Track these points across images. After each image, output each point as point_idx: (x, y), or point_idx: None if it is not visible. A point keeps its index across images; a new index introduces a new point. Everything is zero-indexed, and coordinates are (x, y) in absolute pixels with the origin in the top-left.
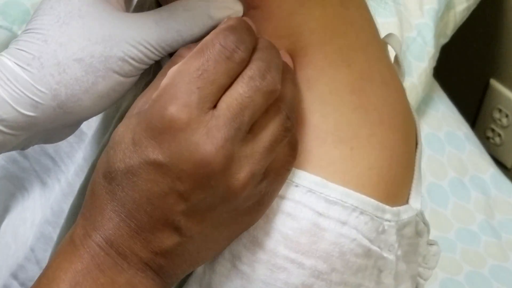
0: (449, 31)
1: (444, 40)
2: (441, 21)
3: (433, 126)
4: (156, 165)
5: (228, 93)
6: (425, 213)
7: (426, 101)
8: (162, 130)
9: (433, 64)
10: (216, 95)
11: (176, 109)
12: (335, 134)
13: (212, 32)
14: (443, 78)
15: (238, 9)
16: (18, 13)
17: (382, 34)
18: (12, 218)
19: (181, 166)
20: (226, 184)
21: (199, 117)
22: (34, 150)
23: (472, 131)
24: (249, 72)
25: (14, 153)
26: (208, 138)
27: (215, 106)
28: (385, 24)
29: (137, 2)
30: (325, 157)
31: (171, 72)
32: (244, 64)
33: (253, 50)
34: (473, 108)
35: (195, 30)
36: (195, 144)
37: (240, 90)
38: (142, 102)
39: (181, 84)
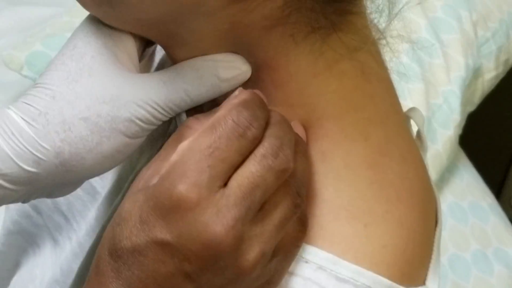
0: (476, 99)
1: (471, 108)
2: (469, 89)
3: (456, 195)
4: (164, 245)
5: (239, 172)
6: (446, 285)
7: (450, 169)
8: (170, 209)
9: (459, 132)
10: (227, 173)
11: (185, 188)
12: (349, 209)
13: (224, 107)
14: (468, 147)
15: (246, 69)
16: (43, 64)
17: (408, 99)
18: (22, 274)
19: (189, 246)
20: (235, 265)
21: (209, 196)
22: (47, 206)
23: (497, 201)
24: (262, 150)
25: (28, 208)
26: (218, 218)
27: (225, 184)
28: (411, 90)
29: (158, 64)
30: (338, 233)
31: (181, 148)
32: (257, 142)
33: (265, 125)
34: (499, 178)
35: (203, 90)
36: (204, 224)
37: (252, 169)
38: (148, 175)
39: (191, 162)
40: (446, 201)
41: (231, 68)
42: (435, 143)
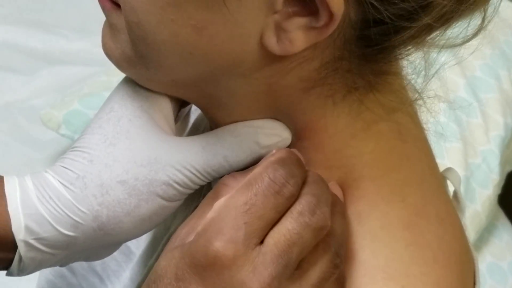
0: None
1: (510, 167)
2: (508, 148)
3: (496, 256)
4: None
5: (276, 229)
6: None
7: (489, 229)
8: (206, 266)
9: (498, 191)
10: (264, 230)
11: (221, 245)
12: (386, 271)
13: (260, 165)
14: (508, 206)
15: (286, 136)
16: (81, 123)
17: (446, 159)
18: None
19: None
20: None
21: (245, 253)
22: (81, 266)
23: None
24: (299, 207)
25: (62, 269)
26: (255, 276)
27: (262, 241)
28: (449, 149)
29: (192, 125)
30: None
31: (218, 206)
32: (293, 199)
33: (302, 184)
34: None
35: (242, 156)
36: (240, 282)
37: (288, 226)
38: (184, 233)
39: (227, 219)
40: (485, 261)
41: (271, 135)
42: (474, 203)
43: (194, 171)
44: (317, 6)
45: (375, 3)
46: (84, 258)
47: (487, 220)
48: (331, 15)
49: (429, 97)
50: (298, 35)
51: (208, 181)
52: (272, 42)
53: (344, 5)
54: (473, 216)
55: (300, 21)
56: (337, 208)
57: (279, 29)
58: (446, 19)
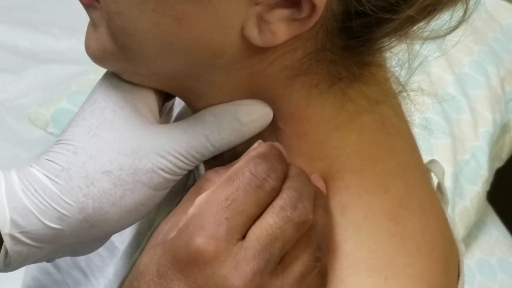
0: (504, 155)
1: (499, 163)
2: (496, 144)
3: (485, 252)
4: None
5: (257, 224)
6: None
7: (478, 225)
8: (188, 262)
9: (487, 187)
10: (245, 225)
11: (203, 241)
12: (369, 262)
13: (241, 159)
14: (496, 202)
15: (267, 111)
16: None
17: (435, 155)
18: None
19: None
20: None
21: (227, 249)
22: (66, 262)
23: None
24: (280, 201)
25: (47, 265)
26: (237, 271)
27: (243, 237)
28: (438, 146)
29: (176, 118)
30: (357, 287)
31: (199, 201)
32: (275, 193)
33: (284, 178)
34: None
35: (224, 135)
36: (222, 277)
37: (270, 221)
38: (167, 228)
39: (209, 215)
40: (474, 258)
41: (252, 111)
42: (463, 199)
43: (178, 155)
44: None
45: None
46: (71, 253)
47: (476, 216)
48: (313, 7)
49: (413, 90)
50: (280, 27)
51: (193, 165)
52: (253, 34)
53: None
54: (462, 212)
55: (282, 12)
56: (319, 201)
57: (261, 21)
58: (428, 11)
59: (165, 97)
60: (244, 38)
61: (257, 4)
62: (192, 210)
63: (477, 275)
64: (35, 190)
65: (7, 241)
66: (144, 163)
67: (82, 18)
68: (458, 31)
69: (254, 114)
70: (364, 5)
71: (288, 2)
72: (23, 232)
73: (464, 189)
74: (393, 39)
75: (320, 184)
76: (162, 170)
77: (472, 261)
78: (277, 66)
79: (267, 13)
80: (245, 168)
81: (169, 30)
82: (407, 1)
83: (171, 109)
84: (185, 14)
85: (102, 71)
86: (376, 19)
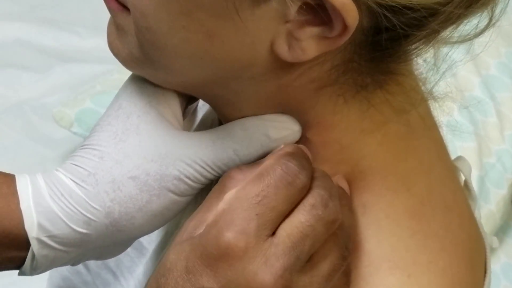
0: None
1: None
2: None
3: (510, 256)
4: None
5: (288, 221)
6: None
7: (504, 229)
8: (217, 257)
9: None
10: (275, 222)
11: (233, 236)
12: (391, 260)
13: (271, 157)
14: None
15: (297, 129)
16: (93, 121)
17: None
18: None
19: None
20: None
21: (257, 244)
22: (95, 263)
23: None
24: (311, 199)
25: (78, 265)
26: (267, 267)
27: (273, 233)
28: (464, 148)
29: (201, 120)
30: (380, 285)
31: (228, 197)
32: (305, 191)
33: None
34: None
35: (252, 150)
36: (252, 273)
37: (301, 218)
38: (192, 226)
39: (239, 210)
40: (500, 262)
41: (282, 128)
42: (488, 203)
43: (204, 165)
44: (331, 16)
45: (387, 14)
46: (96, 257)
47: (501, 220)
48: (345, 27)
49: (441, 97)
50: (310, 44)
51: (218, 175)
52: (283, 50)
53: (358, 17)
54: (487, 216)
55: (313, 30)
56: (344, 201)
57: (291, 38)
58: (452, 22)
59: (188, 100)
60: (273, 53)
61: (287, 21)
62: (221, 205)
63: (502, 279)
64: (62, 195)
65: (34, 245)
66: (170, 170)
67: (107, 17)
68: (486, 33)
69: (284, 132)
70: (393, 22)
71: (319, 20)
72: (50, 236)
73: (490, 193)
74: (420, 47)
75: (344, 185)
76: (188, 178)
77: (497, 266)
78: (305, 78)
79: (297, 31)
80: (275, 165)
81: (199, 46)
82: (434, 16)
83: (195, 110)
84: (216, 31)
85: (126, 71)
86: (404, 33)
